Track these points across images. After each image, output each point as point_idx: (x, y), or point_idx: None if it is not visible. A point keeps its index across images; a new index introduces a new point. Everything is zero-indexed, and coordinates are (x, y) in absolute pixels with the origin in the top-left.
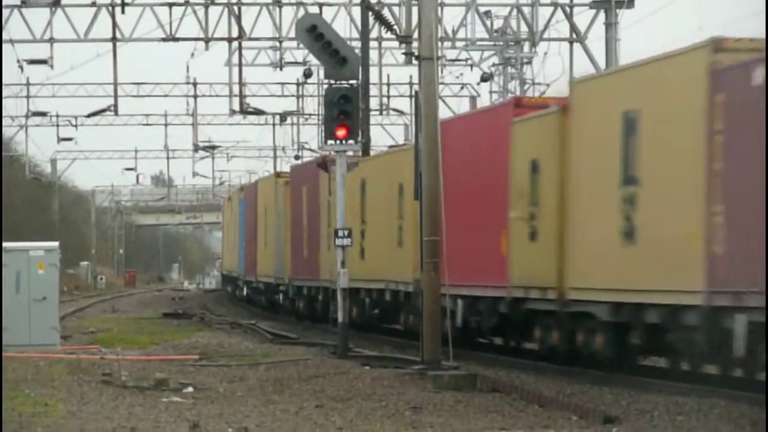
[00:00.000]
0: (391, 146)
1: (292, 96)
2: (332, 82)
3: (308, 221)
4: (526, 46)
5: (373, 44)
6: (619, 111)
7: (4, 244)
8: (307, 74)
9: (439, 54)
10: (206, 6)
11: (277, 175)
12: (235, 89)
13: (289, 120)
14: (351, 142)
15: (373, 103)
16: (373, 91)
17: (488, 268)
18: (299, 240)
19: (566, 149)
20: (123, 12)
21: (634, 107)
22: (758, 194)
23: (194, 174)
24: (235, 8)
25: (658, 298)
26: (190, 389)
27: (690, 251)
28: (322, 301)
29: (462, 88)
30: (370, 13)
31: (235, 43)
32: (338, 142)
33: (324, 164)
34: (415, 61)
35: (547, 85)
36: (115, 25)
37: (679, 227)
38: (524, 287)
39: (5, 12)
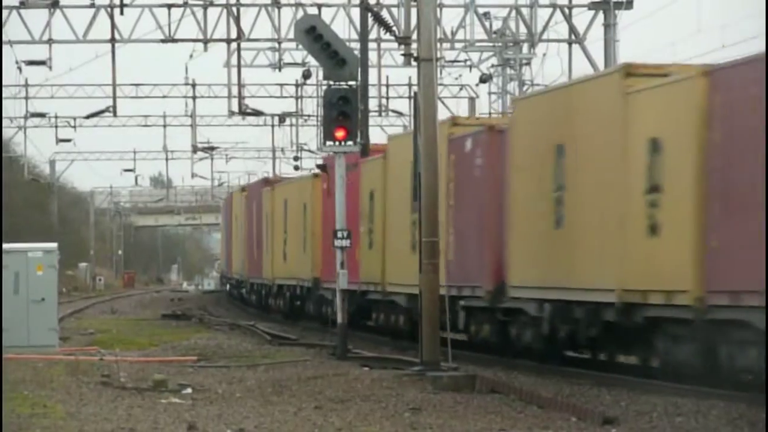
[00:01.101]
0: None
1: (291, 97)
2: (331, 83)
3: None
4: (525, 47)
5: (372, 45)
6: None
7: (3, 246)
8: (306, 75)
9: (438, 55)
10: (205, 7)
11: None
12: (234, 90)
13: (288, 121)
14: (350, 143)
15: (372, 104)
16: (372, 92)
17: None
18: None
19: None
20: (122, 13)
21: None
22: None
23: (193, 175)
24: (234, 9)
25: None
26: (189, 390)
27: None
28: (265, 294)
29: (461, 89)
30: (369, 15)
31: (233, 44)
32: (337, 143)
33: (324, 166)
34: (414, 63)
35: (546, 86)
36: (113, 26)
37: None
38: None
39: (4, 13)
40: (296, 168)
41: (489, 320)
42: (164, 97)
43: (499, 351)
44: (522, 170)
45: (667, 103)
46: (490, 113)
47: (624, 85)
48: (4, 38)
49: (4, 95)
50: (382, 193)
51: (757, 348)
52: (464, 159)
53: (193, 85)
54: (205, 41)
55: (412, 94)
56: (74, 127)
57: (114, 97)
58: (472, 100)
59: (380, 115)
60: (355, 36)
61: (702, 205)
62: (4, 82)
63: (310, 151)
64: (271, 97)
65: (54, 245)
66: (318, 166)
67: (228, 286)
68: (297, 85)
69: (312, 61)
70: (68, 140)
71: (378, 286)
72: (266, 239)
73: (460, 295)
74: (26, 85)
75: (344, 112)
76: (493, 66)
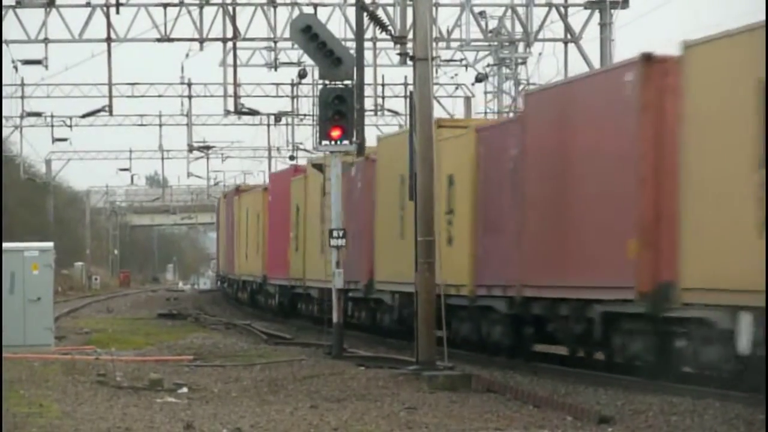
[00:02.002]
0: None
1: (287, 96)
2: (327, 82)
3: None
4: (521, 47)
5: (367, 45)
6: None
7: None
8: (302, 75)
9: (434, 54)
10: (201, 6)
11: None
12: (230, 90)
13: (283, 120)
14: (346, 142)
15: (368, 103)
16: (368, 91)
17: None
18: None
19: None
20: (117, 12)
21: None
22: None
23: (189, 174)
24: (230, 8)
25: None
26: (185, 390)
27: None
28: (236, 288)
29: (457, 88)
30: (365, 14)
31: (229, 44)
32: (333, 142)
33: (320, 165)
34: (409, 62)
35: (542, 85)
36: (109, 25)
37: None
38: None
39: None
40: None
41: (365, 308)
42: (160, 96)
43: (370, 331)
44: (382, 192)
45: (457, 150)
46: (486, 112)
47: (437, 135)
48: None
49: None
50: (304, 207)
51: (502, 324)
52: (351, 181)
53: (189, 85)
54: (201, 40)
55: (408, 93)
56: (70, 126)
57: (110, 97)
58: (468, 100)
59: (376, 114)
60: (350, 35)
61: (474, 224)
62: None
63: (305, 150)
64: (266, 96)
65: (50, 244)
66: (314, 165)
67: (218, 283)
68: (293, 85)
69: (308, 60)
70: (64, 139)
71: (300, 281)
72: (236, 241)
73: (348, 288)
74: (22, 85)
75: (340, 111)
76: (488, 65)
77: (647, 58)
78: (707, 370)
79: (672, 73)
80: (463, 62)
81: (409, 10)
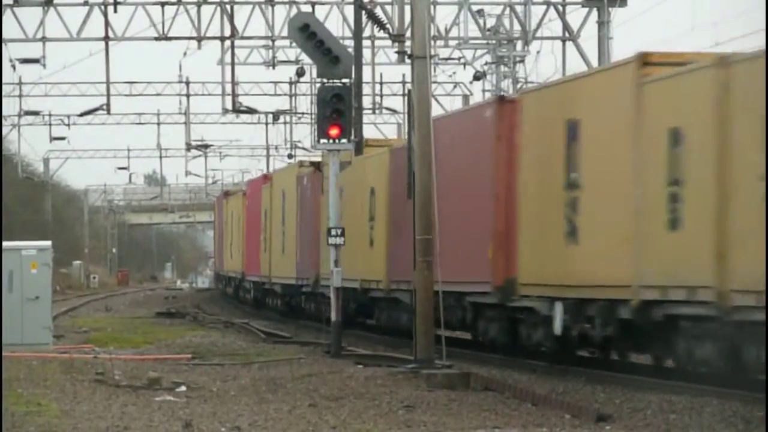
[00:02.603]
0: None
1: (285, 95)
2: (325, 81)
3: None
4: (519, 45)
5: (365, 43)
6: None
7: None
8: (300, 73)
9: (432, 53)
10: (198, 5)
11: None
12: (228, 88)
13: (281, 119)
14: (344, 141)
15: (366, 102)
16: (366, 90)
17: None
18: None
19: None
20: (115, 11)
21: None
22: None
23: (187, 173)
24: (228, 7)
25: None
26: (183, 388)
27: None
28: (224, 284)
29: (455, 86)
30: (363, 12)
31: (227, 42)
32: (331, 141)
33: (318, 163)
34: (407, 60)
35: (540, 84)
36: (107, 24)
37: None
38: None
39: None
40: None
41: (313, 300)
42: (158, 94)
43: (316, 319)
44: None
45: (377, 166)
46: None
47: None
48: None
49: None
50: (270, 211)
51: (407, 313)
52: (305, 190)
53: (187, 83)
54: (199, 39)
55: (406, 91)
56: (68, 125)
57: (108, 95)
58: (465, 98)
59: (374, 112)
60: (348, 33)
61: (389, 230)
62: None
63: (304, 149)
64: (264, 94)
65: (48, 243)
66: (312, 164)
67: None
68: (291, 83)
69: (306, 58)
70: (62, 138)
71: (268, 278)
72: (224, 241)
73: (302, 284)
74: (20, 83)
75: (338, 109)
76: (486, 63)
77: (501, 99)
78: (536, 347)
79: (519, 110)
80: (461, 60)
81: (407, 9)
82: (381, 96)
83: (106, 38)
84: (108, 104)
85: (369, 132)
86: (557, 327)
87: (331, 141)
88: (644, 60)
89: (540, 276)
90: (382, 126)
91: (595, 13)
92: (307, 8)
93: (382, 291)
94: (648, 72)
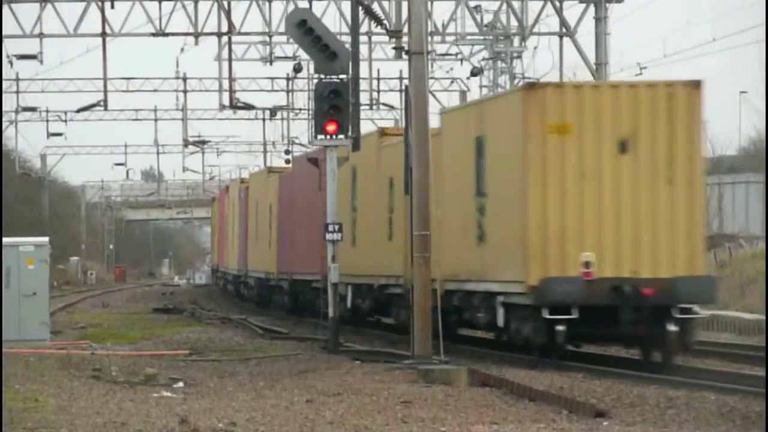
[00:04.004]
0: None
1: (282, 91)
2: (322, 76)
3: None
4: (516, 41)
5: (362, 39)
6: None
7: None
8: (297, 69)
9: (429, 48)
10: (196, 1)
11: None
12: (225, 84)
13: (279, 115)
14: (341, 136)
15: (363, 97)
16: (363, 85)
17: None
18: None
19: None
20: (112, 7)
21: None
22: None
23: (184, 169)
24: (225, 3)
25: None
26: (181, 384)
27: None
28: (211, 274)
29: (452, 82)
30: (360, 8)
31: (224, 38)
32: (328, 136)
33: (315, 159)
34: (405, 56)
35: (537, 79)
36: (104, 19)
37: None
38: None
39: None
40: (287, 162)
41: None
42: (155, 90)
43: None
44: (253, 207)
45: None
46: None
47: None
48: None
49: None
50: (230, 217)
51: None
52: (241, 201)
53: (184, 79)
54: (196, 35)
55: (403, 87)
56: (65, 121)
57: (105, 91)
58: (463, 94)
59: (371, 108)
60: (346, 29)
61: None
62: None
63: (301, 144)
64: (262, 90)
65: (45, 239)
66: (309, 160)
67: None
68: (288, 79)
69: (303, 54)
70: (59, 134)
71: (243, 270)
72: (214, 237)
73: (239, 274)
74: (17, 79)
75: (335, 105)
76: (484, 59)
77: (381, 133)
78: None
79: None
80: (459, 56)
81: (404, 5)
82: (378, 92)
83: (103, 34)
84: (105, 100)
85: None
86: (348, 302)
87: (328, 137)
88: (530, 86)
89: (356, 268)
90: (379, 122)
91: (592, 8)
92: (304, 4)
93: (401, 287)
94: None
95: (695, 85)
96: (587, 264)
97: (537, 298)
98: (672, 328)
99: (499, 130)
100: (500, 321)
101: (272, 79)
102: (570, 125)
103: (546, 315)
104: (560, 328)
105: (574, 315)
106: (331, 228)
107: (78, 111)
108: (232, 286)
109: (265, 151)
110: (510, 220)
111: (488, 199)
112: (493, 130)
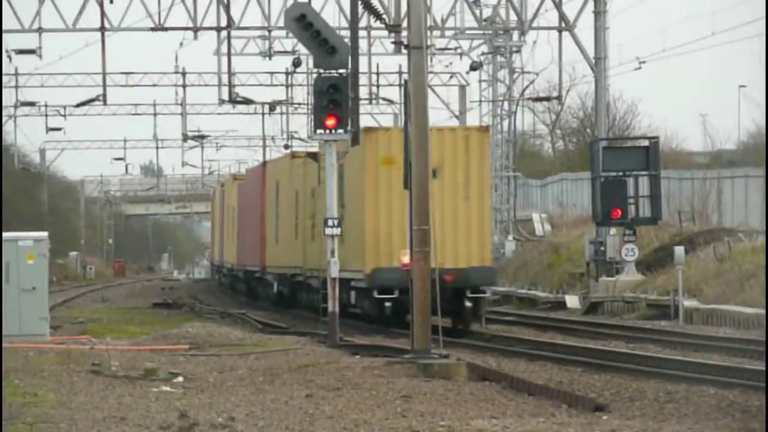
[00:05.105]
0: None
1: (281, 85)
2: (321, 71)
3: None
4: (515, 35)
5: (362, 33)
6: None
7: None
8: (296, 63)
9: (429, 43)
10: None
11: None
12: (224, 79)
13: (278, 109)
14: (340, 131)
15: (363, 92)
16: (363, 80)
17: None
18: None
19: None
20: (111, 1)
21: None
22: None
23: (183, 164)
24: None
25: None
26: (180, 379)
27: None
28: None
29: (451, 77)
30: (359, 2)
31: (223, 33)
32: (328, 131)
33: (315, 154)
34: (404, 50)
35: (536, 73)
36: (103, 14)
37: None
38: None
39: None
40: (293, 156)
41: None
42: (154, 85)
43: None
44: (227, 206)
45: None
46: (480, 101)
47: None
48: None
49: None
50: (222, 211)
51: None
52: (222, 200)
53: (183, 74)
54: (195, 29)
55: (403, 82)
56: (64, 115)
57: (104, 86)
58: (462, 88)
59: (371, 103)
60: (345, 24)
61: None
62: None
63: (300, 139)
64: (261, 85)
65: (44, 234)
66: (308, 155)
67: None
68: (287, 74)
69: (302, 49)
70: (58, 129)
71: (220, 263)
72: (212, 232)
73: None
74: (16, 74)
75: (334, 100)
76: (483, 54)
77: (291, 156)
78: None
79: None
80: (458, 51)
81: None
82: (377, 86)
83: (102, 29)
84: (104, 95)
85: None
86: (275, 290)
87: (327, 131)
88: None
89: (277, 260)
90: (378, 116)
91: (591, 3)
92: None
93: (302, 276)
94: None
95: (485, 129)
96: (405, 258)
97: (370, 282)
98: (467, 304)
99: (351, 160)
100: (352, 300)
101: (271, 73)
102: (394, 158)
103: (376, 295)
104: (387, 304)
105: (396, 295)
106: (330, 223)
107: (77, 106)
108: (225, 279)
109: (264, 146)
110: (356, 225)
111: (346, 210)
112: (348, 160)
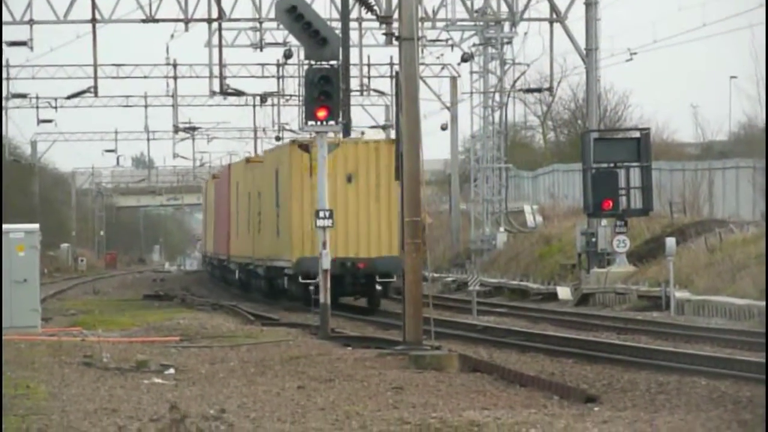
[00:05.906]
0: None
1: (273, 77)
2: (313, 62)
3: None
4: (507, 26)
5: (353, 25)
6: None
7: None
8: (288, 55)
9: (420, 34)
10: None
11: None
12: (216, 70)
13: (269, 101)
14: (332, 122)
15: (354, 83)
16: (354, 71)
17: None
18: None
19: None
20: None
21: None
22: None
23: (175, 155)
24: None
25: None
26: (172, 371)
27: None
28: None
29: (443, 68)
30: None
31: (215, 24)
32: (319, 122)
33: (306, 146)
34: (395, 42)
35: (528, 65)
36: (94, 6)
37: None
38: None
39: None
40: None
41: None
42: (145, 77)
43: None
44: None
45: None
46: (471, 92)
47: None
48: None
49: None
50: (212, 204)
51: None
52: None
53: (175, 65)
54: (186, 21)
55: (394, 73)
56: (55, 107)
57: (95, 78)
58: (453, 80)
59: (362, 94)
60: (336, 15)
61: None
62: None
63: (291, 131)
64: (252, 76)
65: (36, 226)
66: (300, 146)
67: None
68: (278, 65)
69: (293, 40)
70: (49, 121)
71: (222, 255)
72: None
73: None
74: (7, 66)
75: (326, 91)
76: (474, 45)
77: (246, 160)
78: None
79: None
80: (449, 42)
81: None
82: (369, 78)
83: (93, 20)
84: (95, 87)
85: (356, 114)
86: (236, 277)
87: (318, 123)
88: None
89: (240, 251)
90: (369, 108)
91: None
92: None
93: (253, 264)
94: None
95: (392, 141)
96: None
97: (296, 269)
98: (378, 287)
99: (282, 167)
100: (285, 285)
101: (262, 65)
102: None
103: (301, 280)
104: (311, 288)
105: (318, 280)
106: (321, 214)
107: (68, 97)
108: (215, 271)
109: (255, 138)
110: (287, 221)
111: (280, 208)
112: (281, 167)
